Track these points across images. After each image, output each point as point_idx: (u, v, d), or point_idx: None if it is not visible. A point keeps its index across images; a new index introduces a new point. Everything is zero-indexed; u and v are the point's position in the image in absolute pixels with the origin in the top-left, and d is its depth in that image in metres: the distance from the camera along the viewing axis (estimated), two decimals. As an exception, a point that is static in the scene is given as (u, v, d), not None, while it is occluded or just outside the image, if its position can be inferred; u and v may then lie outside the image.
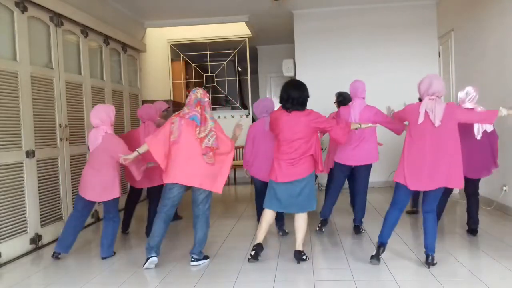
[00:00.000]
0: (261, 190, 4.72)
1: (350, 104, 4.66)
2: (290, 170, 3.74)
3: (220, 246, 4.45)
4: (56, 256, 4.19)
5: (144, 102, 7.60)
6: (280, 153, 3.79)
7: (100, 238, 4.26)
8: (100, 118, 4.09)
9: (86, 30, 5.85)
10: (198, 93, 3.81)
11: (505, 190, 5.29)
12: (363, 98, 4.60)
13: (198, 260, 3.87)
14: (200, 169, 3.69)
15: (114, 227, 4.23)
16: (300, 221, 3.86)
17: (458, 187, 3.61)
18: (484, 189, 5.88)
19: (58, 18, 5.19)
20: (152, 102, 7.56)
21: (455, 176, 3.46)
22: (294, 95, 3.74)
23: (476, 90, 4.23)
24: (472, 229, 4.49)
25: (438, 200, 3.64)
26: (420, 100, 4.66)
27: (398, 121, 3.98)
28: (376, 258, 3.67)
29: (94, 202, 4.21)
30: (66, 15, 5.29)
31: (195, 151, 3.68)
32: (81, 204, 4.18)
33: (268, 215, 3.92)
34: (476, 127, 4.12)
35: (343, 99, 5.26)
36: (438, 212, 4.85)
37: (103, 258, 4.20)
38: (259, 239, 3.90)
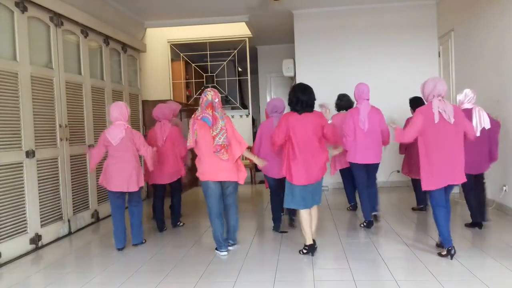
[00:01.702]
0: (275, 187, 4.91)
1: (358, 105, 4.89)
2: (309, 172, 3.90)
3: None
4: (121, 250, 4.46)
5: (144, 102, 7.61)
6: (296, 155, 3.90)
7: (130, 227, 4.59)
8: (122, 113, 4.39)
9: (86, 30, 5.84)
10: (209, 95, 4.05)
11: (505, 190, 5.28)
12: (368, 99, 4.87)
13: (233, 244, 4.32)
14: (224, 164, 4.00)
15: (140, 217, 4.57)
16: (315, 214, 4.11)
17: (464, 181, 3.83)
18: (484, 189, 5.88)
19: (58, 18, 5.19)
20: (155, 102, 7.59)
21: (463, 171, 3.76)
22: (303, 98, 3.94)
23: (473, 92, 4.44)
24: (475, 223, 4.65)
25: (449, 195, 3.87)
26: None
27: (411, 129, 3.84)
28: (451, 256, 3.71)
29: (124, 193, 4.46)
30: (66, 15, 5.29)
31: (213, 150, 3.99)
32: (113, 198, 4.44)
33: (305, 216, 4.00)
34: (474, 124, 4.26)
35: (339, 102, 5.67)
36: (425, 201, 5.24)
37: (134, 245, 4.54)
38: (310, 237, 4.02)
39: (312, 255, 3.98)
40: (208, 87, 10.25)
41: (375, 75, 7.59)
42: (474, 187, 4.57)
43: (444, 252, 3.75)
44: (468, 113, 4.32)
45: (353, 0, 7.39)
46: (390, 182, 7.54)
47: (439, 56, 7.51)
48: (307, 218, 3.99)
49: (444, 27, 7.26)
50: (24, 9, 4.57)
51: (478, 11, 5.90)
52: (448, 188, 3.81)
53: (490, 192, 5.66)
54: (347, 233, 4.75)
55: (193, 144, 4.05)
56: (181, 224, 5.42)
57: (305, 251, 4.02)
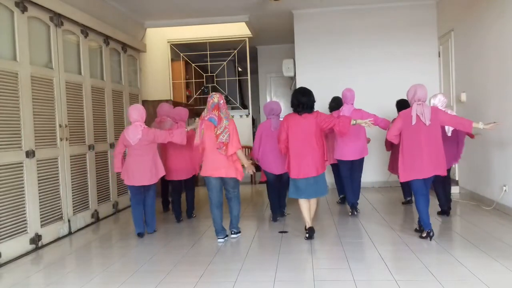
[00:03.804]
0: (273, 182, 5.41)
1: (341, 108, 5.54)
2: (306, 167, 4.38)
3: (220, 246, 4.45)
4: (141, 235, 4.90)
5: (144, 102, 7.61)
6: (294, 151, 4.43)
7: (145, 218, 5.05)
8: (140, 114, 4.81)
9: (86, 30, 5.84)
10: (215, 98, 4.50)
11: (505, 190, 5.28)
12: (352, 104, 5.49)
13: (236, 233, 4.73)
14: (223, 161, 4.42)
15: (154, 210, 5.06)
16: (313, 205, 4.59)
17: (443, 174, 4.35)
18: (484, 189, 5.90)
19: (58, 18, 5.19)
20: (155, 102, 7.59)
21: (442, 165, 4.26)
22: (303, 100, 4.42)
23: (445, 96, 4.92)
24: (444, 210, 5.28)
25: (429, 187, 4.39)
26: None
27: (393, 128, 4.47)
28: (431, 238, 4.27)
29: (144, 186, 4.87)
30: (66, 15, 5.29)
31: (216, 147, 4.41)
32: (134, 191, 4.88)
33: (303, 204, 4.54)
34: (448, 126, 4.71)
35: (332, 104, 6.01)
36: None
37: (149, 233, 5.01)
38: (309, 222, 4.55)
39: (312, 238, 4.46)
40: (208, 87, 10.28)
41: (375, 75, 7.60)
42: (442, 180, 5.08)
43: (424, 234, 4.30)
44: None
45: (353, 0, 7.39)
46: (390, 182, 7.54)
47: (439, 56, 7.51)
48: (304, 206, 4.53)
49: (444, 27, 7.26)
50: (24, 9, 4.57)
51: (478, 11, 5.90)
52: (427, 180, 4.31)
53: (490, 192, 5.67)
54: (347, 233, 4.75)
55: (199, 142, 4.47)
56: (194, 215, 5.92)
57: (307, 235, 4.49)
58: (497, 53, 5.42)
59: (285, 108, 10.29)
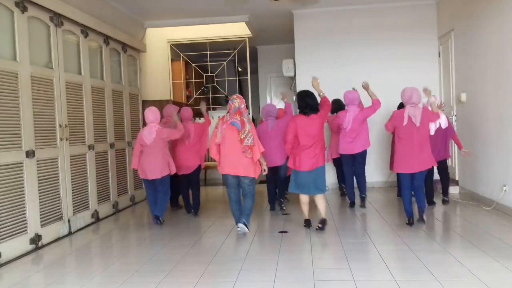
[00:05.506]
0: (270, 174, 5.71)
1: (346, 109, 5.87)
2: (311, 160, 4.71)
3: (220, 246, 4.45)
4: (157, 219, 5.41)
5: (144, 102, 7.60)
6: (301, 147, 4.74)
7: (156, 206, 5.48)
8: (155, 116, 5.32)
9: (86, 30, 5.84)
10: (236, 102, 4.73)
11: (505, 190, 5.28)
12: (356, 105, 5.78)
13: (245, 225, 4.79)
14: (243, 162, 4.68)
15: (166, 199, 5.48)
16: (321, 201, 4.84)
17: (428, 168, 4.82)
18: (484, 189, 5.90)
19: (58, 18, 5.19)
20: (155, 102, 7.58)
21: (428, 161, 4.74)
22: (310, 102, 4.78)
23: (434, 97, 5.15)
24: (444, 200, 5.88)
25: (423, 179, 4.86)
26: (401, 105, 5.87)
27: (389, 123, 5.03)
28: (411, 225, 4.83)
29: (155, 180, 5.36)
30: (66, 15, 5.29)
31: (238, 149, 4.65)
32: (148, 185, 5.46)
33: (302, 198, 4.94)
34: (431, 126, 5.01)
35: (336, 106, 6.25)
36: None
37: (155, 216, 5.41)
38: (306, 215, 5.01)
39: (308, 227, 4.90)
40: (208, 87, 10.27)
41: (375, 75, 7.58)
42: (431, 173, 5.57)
43: (407, 221, 4.85)
44: None
45: (353, 0, 7.39)
46: (390, 182, 7.54)
47: (439, 56, 7.51)
48: (303, 201, 4.93)
49: (444, 27, 7.26)
50: (24, 9, 4.57)
51: (478, 11, 5.90)
52: (414, 175, 4.77)
53: (490, 192, 5.67)
54: (347, 233, 4.75)
55: (221, 140, 4.69)
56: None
57: (304, 225, 4.95)
58: (497, 53, 5.42)
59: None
